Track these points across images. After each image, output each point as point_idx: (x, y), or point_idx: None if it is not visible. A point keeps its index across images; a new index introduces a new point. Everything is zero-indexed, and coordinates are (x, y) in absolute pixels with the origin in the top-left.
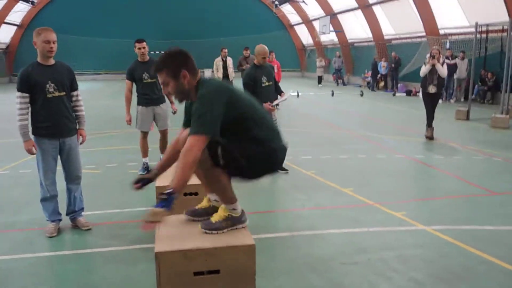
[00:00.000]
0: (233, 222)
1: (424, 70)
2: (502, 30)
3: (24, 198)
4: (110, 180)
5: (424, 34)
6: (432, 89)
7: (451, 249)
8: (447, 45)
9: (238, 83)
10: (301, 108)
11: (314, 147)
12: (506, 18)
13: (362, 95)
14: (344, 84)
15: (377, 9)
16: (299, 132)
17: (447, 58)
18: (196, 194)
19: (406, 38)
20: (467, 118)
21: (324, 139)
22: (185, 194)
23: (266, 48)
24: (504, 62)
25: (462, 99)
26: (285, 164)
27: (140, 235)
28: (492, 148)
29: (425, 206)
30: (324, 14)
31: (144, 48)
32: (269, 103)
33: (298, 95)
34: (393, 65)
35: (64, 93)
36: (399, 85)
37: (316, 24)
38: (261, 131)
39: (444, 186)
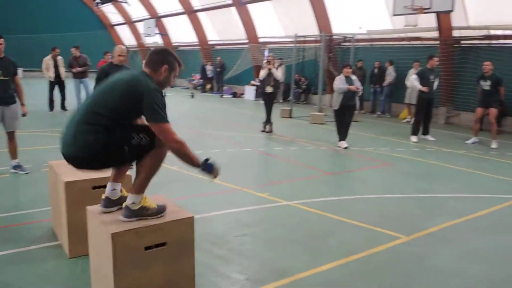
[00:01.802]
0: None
1: (262, 73)
2: (316, 41)
3: None
4: None
5: (247, 41)
6: (269, 89)
7: (313, 216)
8: (266, 53)
9: (69, 82)
10: None
11: None
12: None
13: (193, 96)
14: (171, 86)
15: (202, 15)
16: None
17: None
18: (104, 187)
19: (229, 44)
20: (290, 116)
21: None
22: (94, 188)
23: (124, 47)
24: (317, 68)
25: (281, 100)
26: None
27: (37, 235)
28: (316, 140)
29: (282, 187)
30: (149, 16)
31: (1, 44)
32: None
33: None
34: (218, 69)
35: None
36: (224, 87)
37: (140, 26)
38: None
39: (291, 171)
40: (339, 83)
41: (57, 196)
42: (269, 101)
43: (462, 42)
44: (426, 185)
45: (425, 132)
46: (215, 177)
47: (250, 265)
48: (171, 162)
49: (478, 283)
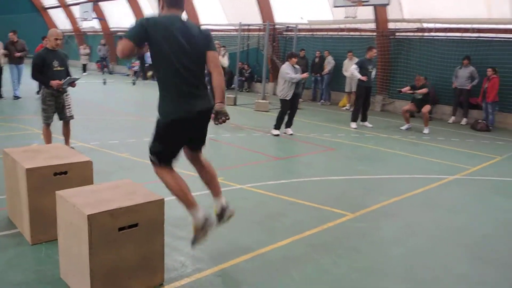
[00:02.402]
0: (198, 228)
1: None
2: (259, 30)
3: None
4: None
5: None
6: None
7: (266, 198)
8: None
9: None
10: (85, 96)
11: (117, 132)
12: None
13: (134, 84)
14: (110, 73)
15: (142, 0)
16: (98, 119)
17: None
18: (65, 173)
19: None
20: (235, 104)
21: (123, 124)
22: (55, 174)
23: (59, 31)
24: (260, 56)
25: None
26: (97, 149)
27: None
28: (262, 127)
29: (235, 171)
30: (85, 0)
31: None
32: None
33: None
34: None
35: None
36: None
37: (75, 10)
38: None
39: (242, 156)
40: (291, 72)
41: (17, 183)
42: None
43: (397, 34)
44: (366, 168)
45: (364, 119)
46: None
47: (213, 245)
48: (119, 150)
49: (416, 252)
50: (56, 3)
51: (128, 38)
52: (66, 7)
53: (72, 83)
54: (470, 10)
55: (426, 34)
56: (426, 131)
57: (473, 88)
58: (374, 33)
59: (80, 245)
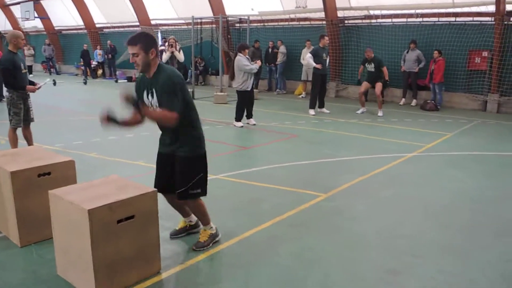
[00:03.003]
0: (213, 237)
1: (165, 57)
2: (211, 23)
3: None
4: None
5: (138, 24)
6: None
7: (241, 185)
8: (159, 35)
9: None
10: (37, 99)
11: (79, 132)
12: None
13: (86, 83)
14: (57, 73)
15: None
16: (57, 121)
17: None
18: (49, 174)
19: (119, 27)
20: (193, 98)
21: (83, 125)
22: (39, 175)
23: (21, 33)
24: (214, 49)
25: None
26: (64, 151)
27: None
28: (224, 118)
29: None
30: None
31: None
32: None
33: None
34: (109, 53)
35: None
36: (117, 72)
37: (16, 9)
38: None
39: (210, 147)
40: (248, 63)
41: (0, 187)
42: None
43: (346, 22)
44: (329, 151)
45: (321, 106)
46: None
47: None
48: (86, 150)
49: (390, 224)
50: None
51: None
52: (4, 7)
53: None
54: None
55: (373, 21)
56: (380, 113)
57: (420, 71)
58: (324, 22)
59: (80, 240)
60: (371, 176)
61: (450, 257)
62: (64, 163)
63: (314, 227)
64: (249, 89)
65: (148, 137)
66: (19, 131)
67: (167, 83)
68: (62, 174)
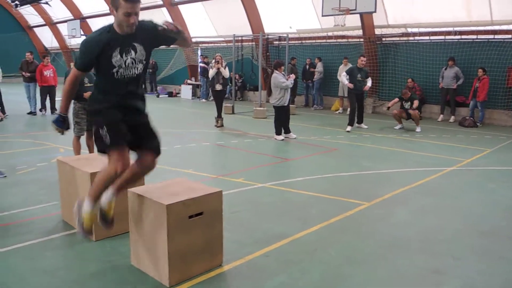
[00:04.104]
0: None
1: (211, 72)
2: (252, 40)
3: None
4: None
5: None
6: (218, 87)
7: (288, 193)
8: (199, 52)
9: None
10: None
11: None
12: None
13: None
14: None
15: None
16: None
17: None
18: None
19: None
20: (233, 112)
21: None
22: None
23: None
24: (254, 66)
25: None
26: None
27: (50, 227)
28: (265, 132)
29: (252, 172)
30: (72, 17)
31: None
32: None
33: None
34: (151, 69)
35: None
36: (158, 87)
37: (62, 27)
38: None
39: (254, 159)
40: (284, 80)
41: (75, 187)
42: (219, 98)
43: (384, 39)
44: (369, 164)
45: (360, 121)
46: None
47: (253, 233)
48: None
49: (428, 230)
50: (41, 22)
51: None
52: (52, 25)
53: None
54: (451, 14)
55: (411, 38)
56: (418, 129)
57: (458, 87)
58: (362, 39)
59: (157, 232)
60: (411, 187)
61: (487, 259)
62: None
63: (359, 231)
64: (285, 104)
65: (194, 148)
66: (83, 140)
67: (150, 23)
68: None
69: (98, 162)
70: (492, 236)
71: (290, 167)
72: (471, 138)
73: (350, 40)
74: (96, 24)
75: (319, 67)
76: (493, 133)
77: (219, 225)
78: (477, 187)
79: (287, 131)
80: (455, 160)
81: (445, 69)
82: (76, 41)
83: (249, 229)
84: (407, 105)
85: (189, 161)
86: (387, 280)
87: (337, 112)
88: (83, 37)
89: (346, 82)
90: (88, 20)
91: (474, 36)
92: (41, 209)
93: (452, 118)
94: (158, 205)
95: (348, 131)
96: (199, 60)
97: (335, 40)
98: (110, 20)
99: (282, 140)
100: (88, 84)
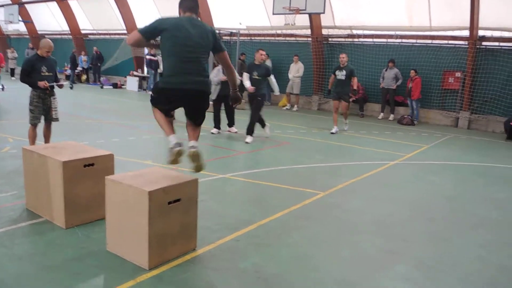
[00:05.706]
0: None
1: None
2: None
3: None
4: None
5: (125, 31)
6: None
7: (249, 184)
8: None
9: None
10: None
11: (83, 134)
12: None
13: (72, 88)
14: None
15: (73, 4)
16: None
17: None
18: (92, 164)
19: (105, 34)
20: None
21: (84, 127)
22: (85, 166)
23: (51, 43)
24: None
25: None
26: None
27: (16, 216)
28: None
29: (214, 163)
30: (10, 2)
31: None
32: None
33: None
34: (95, 59)
35: None
36: (102, 78)
37: None
38: None
39: (212, 151)
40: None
41: (47, 176)
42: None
43: (330, 39)
44: (322, 157)
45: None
46: None
47: (221, 219)
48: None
49: (381, 215)
50: None
51: (139, 32)
52: None
53: (59, 84)
54: (394, 18)
55: (355, 39)
56: (346, 128)
57: (397, 88)
58: (309, 39)
59: (137, 218)
60: (361, 179)
61: (433, 241)
62: (105, 156)
63: (318, 217)
64: (213, 97)
65: (149, 140)
66: (40, 129)
67: None
68: (103, 165)
69: (66, 151)
70: (437, 221)
71: (247, 160)
72: (410, 135)
73: (298, 38)
74: (35, 11)
75: (268, 63)
76: (429, 131)
77: (194, 211)
78: (420, 179)
79: (230, 124)
80: (397, 155)
81: (386, 70)
82: (13, 26)
83: (216, 216)
84: (340, 74)
85: (146, 152)
86: (350, 259)
87: (284, 108)
88: (21, 23)
89: (248, 84)
90: (26, 5)
91: (413, 40)
92: (2, 198)
93: (391, 117)
94: (139, 191)
95: (247, 142)
96: (145, 52)
97: (283, 38)
98: (50, 6)
99: (216, 133)
100: (46, 74)
